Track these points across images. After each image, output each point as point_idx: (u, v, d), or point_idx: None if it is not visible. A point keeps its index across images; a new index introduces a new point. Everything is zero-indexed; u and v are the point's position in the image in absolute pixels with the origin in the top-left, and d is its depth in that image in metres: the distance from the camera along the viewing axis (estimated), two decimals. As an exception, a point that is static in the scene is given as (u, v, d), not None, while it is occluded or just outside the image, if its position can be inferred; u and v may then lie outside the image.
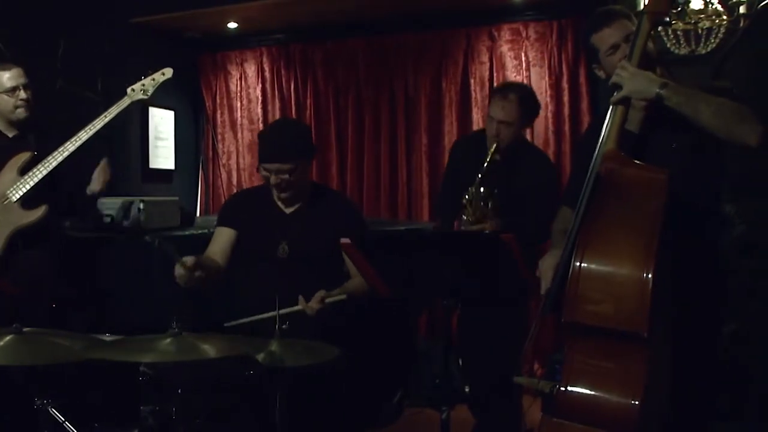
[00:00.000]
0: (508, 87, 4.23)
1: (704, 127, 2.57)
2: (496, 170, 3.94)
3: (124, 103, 4.15)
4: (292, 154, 3.41)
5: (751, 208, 4.32)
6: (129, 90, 4.17)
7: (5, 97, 4.03)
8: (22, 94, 4.04)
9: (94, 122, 4.05)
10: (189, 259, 3.13)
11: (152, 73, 4.21)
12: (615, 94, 2.70)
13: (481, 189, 3.91)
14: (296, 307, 3.16)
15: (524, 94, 4.08)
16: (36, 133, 4.15)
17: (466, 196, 3.93)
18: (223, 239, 3.55)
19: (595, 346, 2.47)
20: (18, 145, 4.08)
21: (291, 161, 3.39)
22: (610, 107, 2.71)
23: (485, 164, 3.88)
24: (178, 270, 3.14)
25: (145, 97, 4.19)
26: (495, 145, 3.91)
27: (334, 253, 3.33)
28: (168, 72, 4.23)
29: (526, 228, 3.76)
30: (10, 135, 4.11)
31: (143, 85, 4.17)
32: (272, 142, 3.45)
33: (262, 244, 3.46)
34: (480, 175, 3.89)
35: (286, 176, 3.39)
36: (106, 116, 4.08)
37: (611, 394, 2.41)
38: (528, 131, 5.76)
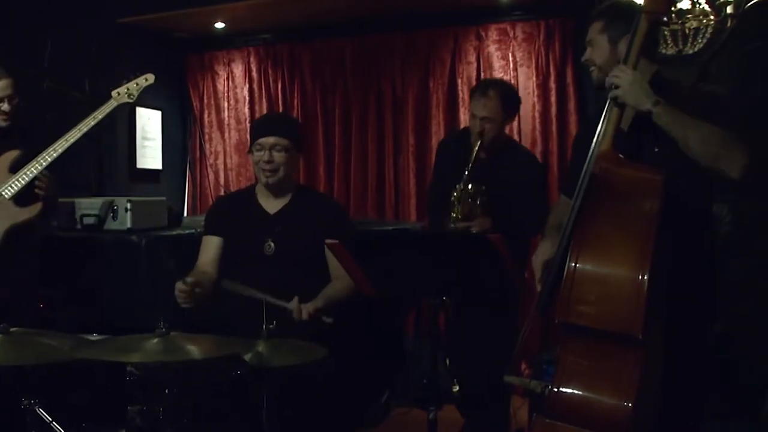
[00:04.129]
0: (487, 84, 4.29)
1: (690, 152, 2.56)
2: (483, 168, 3.96)
3: (110, 106, 4.13)
4: (288, 130, 3.50)
5: (740, 207, 4.34)
6: (114, 93, 4.14)
7: None
8: (5, 107, 4.02)
9: (82, 124, 4.03)
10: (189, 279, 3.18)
11: (134, 78, 4.19)
12: (613, 89, 2.66)
13: (469, 186, 3.93)
14: (287, 304, 3.17)
15: (504, 90, 4.14)
16: (20, 132, 4.12)
17: (454, 194, 3.95)
18: (212, 248, 3.58)
19: (589, 347, 2.46)
20: (1, 144, 4.05)
21: (287, 137, 3.44)
22: (607, 104, 2.69)
23: (471, 162, 3.91)
24: (180, 287, 3.17)
25: (131, 100, 4.17)
26: (479, 141, 3.95)
27: (319, 253, 3.34)
28: (150, 78, 4.21)
29: (515, 225, 3.78)
30: None
31: (128, 88, 4.15)
32: (270, 118, 3.50)
33: (248, 243, 3.48)
34: (466, 173, 3.91)
35: (282, 153, 3.43)
36: (93, 118, 4.06)
37: (604, 395, 2.41)
38: (515, 131, 5.78)
